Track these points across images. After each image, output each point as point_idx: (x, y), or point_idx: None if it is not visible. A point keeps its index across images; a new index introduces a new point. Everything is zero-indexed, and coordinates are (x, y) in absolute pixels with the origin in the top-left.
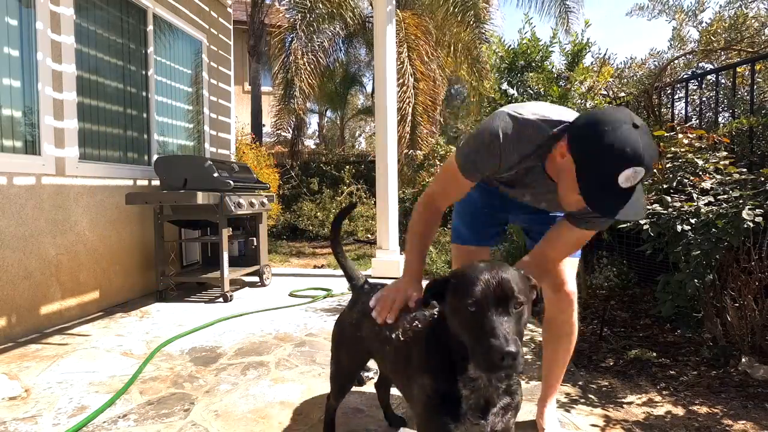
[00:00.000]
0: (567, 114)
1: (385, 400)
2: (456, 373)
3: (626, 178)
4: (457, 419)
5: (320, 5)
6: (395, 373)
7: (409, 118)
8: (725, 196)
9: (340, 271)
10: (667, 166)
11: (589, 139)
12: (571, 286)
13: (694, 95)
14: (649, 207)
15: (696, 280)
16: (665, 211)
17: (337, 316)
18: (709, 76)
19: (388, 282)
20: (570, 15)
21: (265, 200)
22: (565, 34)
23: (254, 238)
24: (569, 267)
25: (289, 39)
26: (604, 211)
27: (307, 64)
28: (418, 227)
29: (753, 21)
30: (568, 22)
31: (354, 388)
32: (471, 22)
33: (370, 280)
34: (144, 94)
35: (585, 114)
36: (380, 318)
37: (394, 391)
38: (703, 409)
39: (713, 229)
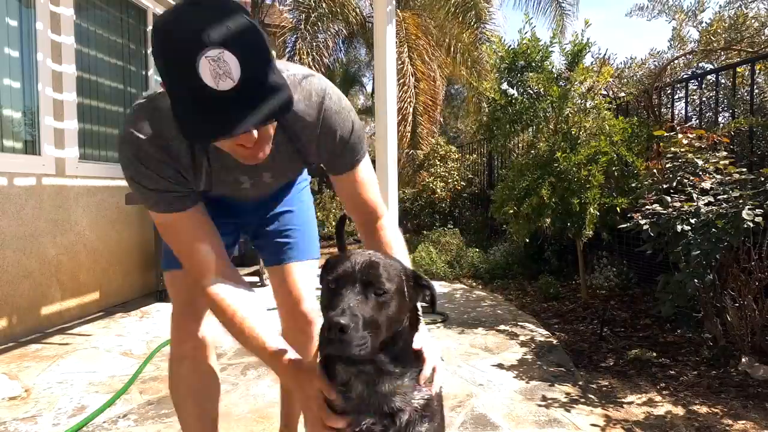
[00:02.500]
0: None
1: None
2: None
3: (210, 72)
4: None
5: (323, 4)
6: None
7: (410, 117)
8: (725, 196)
9: None
10: (667, 166)
11: (156, 55)
12: (307, 305)
13: (694, 95)
14: (648, 207)
15: (696, 280)
16: (665, 211)
17: None
18: (709, 76)
19: None
20: (565, 17)
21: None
22: (561, 36)
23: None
24: (302, 282)
25: (293, 39)
26: (216, 131)
27: (311, 63)
28: (228, 320)
29: (753, 21)
30: (563, 24)
31: None
32: (471, 23)
33: None
34: (144, 94)
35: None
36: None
37: None
38: (703, 409)
39: (713, 229)
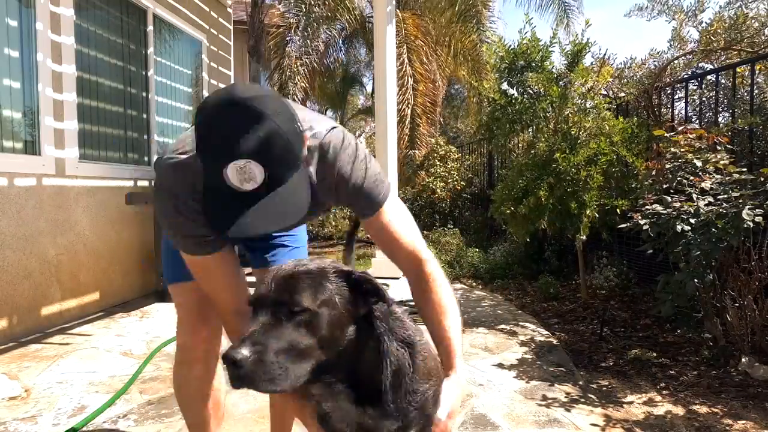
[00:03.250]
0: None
1: None
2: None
3: (238, 179)
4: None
5: (316, 9)
6: None
7: (408, 119)
8: (725, 196)
9: None
10: (667, 166)
11: (197, 144)
12: None
13: (694, 95)
14: (648, 207)
15: (696, 280)
16: (665, 211)
17: None
18: (709, 76)
19: (388, 281)
20: (570, 13)
21: None
22: (566, 33)
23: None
24: None
25: (285, 42)
26: (244, 229)
27: (300, 67)
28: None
29: (753, 21)
30: (568, 21)
31: None
32: (474, 28)
33: None
34: (144, 94)
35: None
36: None
37: None
38: (703, 409)
39: (713, 229)
